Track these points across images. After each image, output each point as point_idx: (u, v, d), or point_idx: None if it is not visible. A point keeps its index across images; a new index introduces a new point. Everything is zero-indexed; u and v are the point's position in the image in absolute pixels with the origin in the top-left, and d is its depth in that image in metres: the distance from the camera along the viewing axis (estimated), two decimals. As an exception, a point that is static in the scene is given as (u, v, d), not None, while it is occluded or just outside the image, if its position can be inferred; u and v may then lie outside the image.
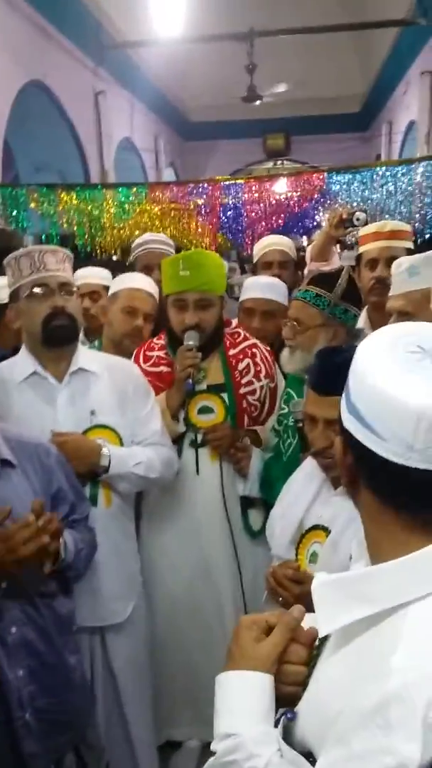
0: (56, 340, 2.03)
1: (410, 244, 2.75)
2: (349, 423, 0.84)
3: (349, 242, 4.20)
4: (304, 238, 5.76)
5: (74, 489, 1.91)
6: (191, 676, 2.43)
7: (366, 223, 2.94)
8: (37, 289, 2.01)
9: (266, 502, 2.31)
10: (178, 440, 2.36)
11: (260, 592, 2.38)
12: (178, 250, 4.21)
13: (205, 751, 2.44)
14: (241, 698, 0.90)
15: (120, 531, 2.18)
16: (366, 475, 0.83)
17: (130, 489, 2.16)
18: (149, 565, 2.36)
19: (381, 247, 2.69)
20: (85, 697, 1.88)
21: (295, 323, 2.20)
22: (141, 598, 2.26)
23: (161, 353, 2.47)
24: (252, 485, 2.40)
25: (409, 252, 2.67)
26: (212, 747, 0.90)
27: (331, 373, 1.57)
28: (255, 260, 3.48)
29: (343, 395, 0.87)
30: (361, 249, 2.78)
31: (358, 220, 2.97)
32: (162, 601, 2.40)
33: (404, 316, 2.05)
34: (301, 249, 4.98)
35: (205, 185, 4.63)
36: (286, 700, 0.92)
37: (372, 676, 0.74)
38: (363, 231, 2.81)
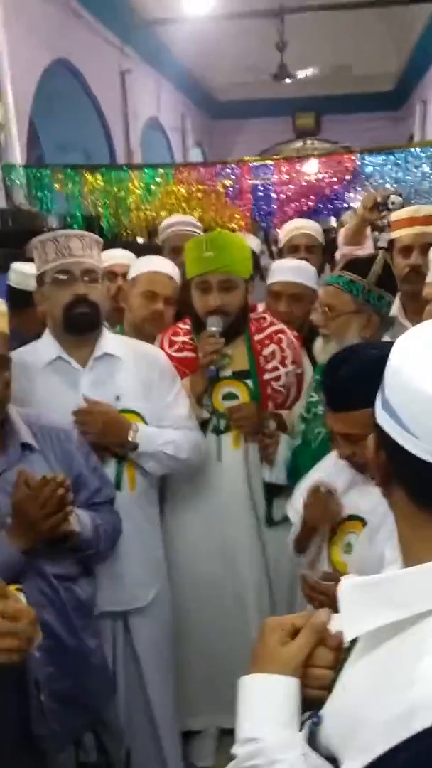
0: (77, 327, 2.02)
1: (445, 229, 2.66)
2: (383, 420, 0.81)
3: (381, 225, 4.10)
4: (333, 219, 5.65)
5: (97, 473, 1.92)
6: (211, 663, 2.43)
7: (401, 207, 2.85)
8: (60, 276, 1.99)
9: (292, 491, 2.27)
10: (201, 426, 2.33)
11: (282, 578, 2.38)
12: (205, 232, 4.15)
13: (223, 739, 2.48)
14: (265, 702, 0.90)
15: (144, 516, 2.18)
16: (399, 473, 0.81)
17: (158, 469, 2.14)
18: (172, 550, 2.36)
19: (415, 233, 2.61)
20: (104, 681, 1.90)
21: (327, 309, 2.14)
22: (165, 582, 2.26)
23: (186, 338, 2.44)
24: (278, 472, 2.36)
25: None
26: (233, 751, 0.90)
27: (337, 390, 1.57)
28: (281, 245, 3.40)
29: (378, 391, 0.84)
30: (394, 235, 2.70)
31: (393, 203, 2.89)
32: (183, 586, 2.39)
33: None
34: (330, 230, 4.89)
35: (234, 166, 4.55)
36: (312, 703, 0.90)
37: (397, 684, 0.73)
38: (395, 216, 2.73)
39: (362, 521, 1.66)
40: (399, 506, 0.83)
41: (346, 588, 0.84)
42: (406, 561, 0.84)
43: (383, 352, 1.48)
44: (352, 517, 1.70)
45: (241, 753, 0.88)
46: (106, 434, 1.99)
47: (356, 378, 1.49)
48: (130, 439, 2.02)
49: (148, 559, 2.17)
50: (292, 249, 3.26)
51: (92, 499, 1.87)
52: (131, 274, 2.65)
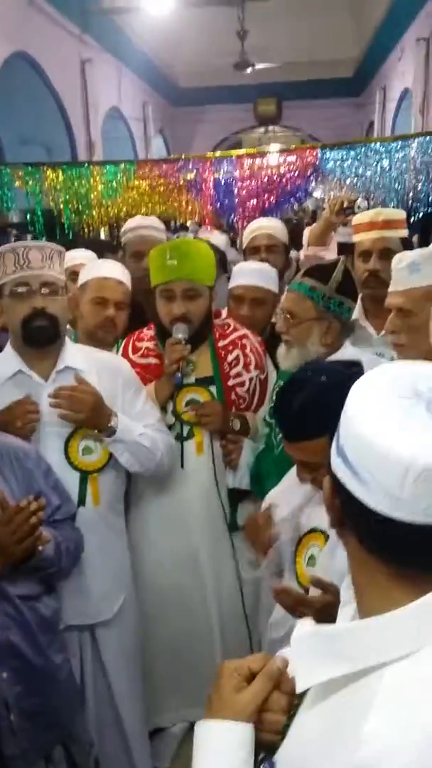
0: (35, 340, 1.99)
1: (405, 233, 2.67)
2: (337, 467, 0.82)
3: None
4: (295, 204, 5.61)
5: (57, 490, 1.90)
6: (177, 663, 2.45)
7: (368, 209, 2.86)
8: (18, 288, 1.96)
9: (255, 496, 2.29)
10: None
11: (247, 583, 2.39)
12: (167, 224, 4.10)
13: (188, 735, 2.48)
14: (219, 749, 0.89)
15: (110, 528, 2.17)
16: (352, 520, 0.82)
17: (133, 463, 2.12)
18: (137, 558, 2.35)
19: (374, 238, 2.61)
20: (72, 695, 1.90)
21: (288, 316, 2.15)
22: (131, 591, 2.25)
23: (150, 344, 2.44)
24: (242, 477, 2.37)
25: (404, 241, 2.61)
26: None
27: (290, 422, 1.59)
28: (244, 246, 3.38)
29: (334, 437, 0.84)
30: (355, 238, 2.70)
31: (359, 208, 2.90)
32: (149, 594, 2.39)
33: (403, 313, 2.00)
34: (290, 220, 4.85)
35: (196, 160, 4.50)
36: (266, 747, 0.91)
37: (343, 742, 0.74)
38: (357, 219, 2.72)
39: (324, 534, 1.67)
40: (352, 550, 0.84)
41: (300, 637, 0.85)
42: (359, 605, 0.85)
43: (333, 378, 1.52)
44: (315, 530, 1.71)
45: None
46: (94, 415, 1.98)
47: (308, 409, 1.51)
48: (111, 424, 2.02)
49: (113, 572, 2.16)
50: (253, 250, 3.20)
51: (53, 516, 1.85)
52: (80, 280, 2.59)
